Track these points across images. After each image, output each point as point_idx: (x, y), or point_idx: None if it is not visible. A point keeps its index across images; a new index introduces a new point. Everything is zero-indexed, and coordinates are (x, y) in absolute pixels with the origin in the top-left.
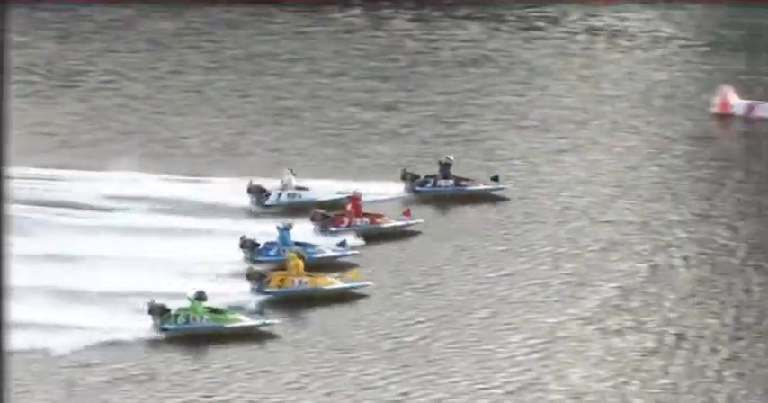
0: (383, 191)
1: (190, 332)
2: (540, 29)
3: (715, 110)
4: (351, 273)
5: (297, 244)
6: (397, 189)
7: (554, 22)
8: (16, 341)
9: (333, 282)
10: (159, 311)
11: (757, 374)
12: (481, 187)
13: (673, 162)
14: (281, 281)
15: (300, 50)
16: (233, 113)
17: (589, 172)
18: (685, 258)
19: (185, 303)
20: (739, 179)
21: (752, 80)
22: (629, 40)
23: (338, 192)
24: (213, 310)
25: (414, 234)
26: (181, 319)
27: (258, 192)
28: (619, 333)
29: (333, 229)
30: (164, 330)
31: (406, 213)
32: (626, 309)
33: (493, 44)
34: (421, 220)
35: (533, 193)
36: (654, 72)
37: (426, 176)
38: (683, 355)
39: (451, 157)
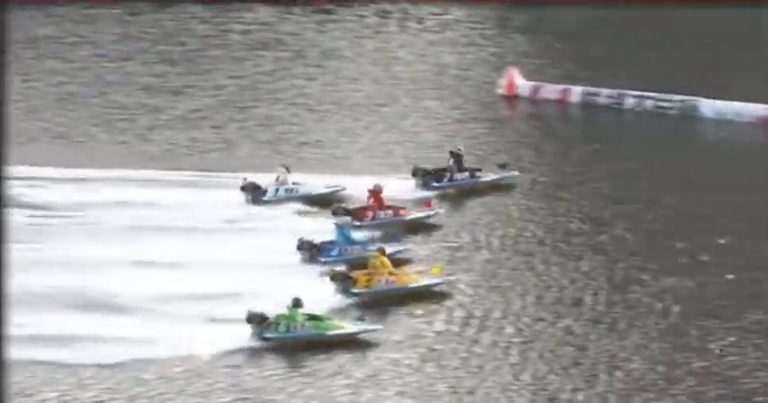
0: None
1: (291, 340)
2: (330, 12)
3: (502, 92)
4: (434, 269)
5: (355, 242)
6: (406, 185)
7: (345, 4)
8: (115, 352)
9: (418, 279)
10: (258, 319)
11: (558, 353)
12: (494, 177)
13: (466, 144)
14: (368, 280)
15: (84, 33)
16: (14, 98)
17: (383, 156)
18: (486, 240)
19: (282, 311)
20: (531, 160)
21: (537, 62)
22: (419, 23)
23: (327, 186)
24: (312, 317)
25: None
26: (281, 328)
27: (253, 189)
28: (422, 316)
29: (357, 223)
30: (264, 339)
31: (427, 204)
32: (429, 293)
33: (284, 27)
34: (441, 211)
35: (334, 180)
36: (444, 54)
37: (437, 170)
38: (487, 337)
39: (462, 148)
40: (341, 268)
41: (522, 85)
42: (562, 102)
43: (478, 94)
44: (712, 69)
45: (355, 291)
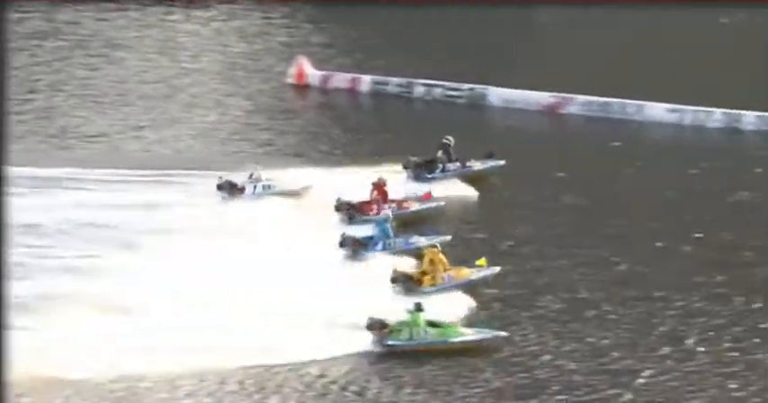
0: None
1: (414, 347)
2: (112, 0)
3: (292, 81)
4: (479, 261)
5: (396, 236)
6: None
7: None
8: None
9: (471, 272)
10: (379, 326)
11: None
12: (484, 166)
13: (259, 136)
14: (433, 278)
15: None
16: None
17: (172, 149)
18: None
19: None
20: (325, 151)
21: (326, 52)
22: (205, 10)
23: (301, 182)
24: (432, 324)
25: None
26: (404, 335)
27: (230, 188)
28: None
29: (363, 218)
30: (386, 346)
31: (426, 196)
32: None
33: (62, 16)
34: (442, 203)
35: (116, 175)
36: (232, 44)
37: (427, 162)
38: None
39: (450, 138)
40: (404, 269)
41: (312, 74)
42: (352, 92)
43: (269, 84)
44: (500, 59)
45: (425, 290)
